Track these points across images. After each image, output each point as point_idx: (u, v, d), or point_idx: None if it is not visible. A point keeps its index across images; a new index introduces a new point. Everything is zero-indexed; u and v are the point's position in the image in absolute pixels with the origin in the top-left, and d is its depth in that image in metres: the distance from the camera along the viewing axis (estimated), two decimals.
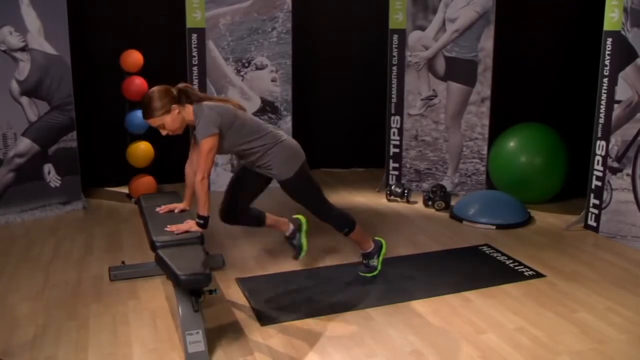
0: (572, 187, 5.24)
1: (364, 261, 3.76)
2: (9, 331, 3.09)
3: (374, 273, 3.75)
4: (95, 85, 5.53)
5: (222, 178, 5.65)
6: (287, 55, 5.56)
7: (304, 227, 3.75)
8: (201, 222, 3.19)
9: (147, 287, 3.63)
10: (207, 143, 3.12)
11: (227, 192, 3.58)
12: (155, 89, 3.17)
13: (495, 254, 4.16)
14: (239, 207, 3.60)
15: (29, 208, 4.85)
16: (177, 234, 3.15)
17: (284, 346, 2.98)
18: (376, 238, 3.77)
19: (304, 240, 3.75)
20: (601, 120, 4.48)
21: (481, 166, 5.49)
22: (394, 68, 5.54)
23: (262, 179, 3.51)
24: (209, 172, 3.15)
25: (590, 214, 4.63)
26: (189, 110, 3.19)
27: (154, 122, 3.17)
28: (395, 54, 5.51)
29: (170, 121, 3.15)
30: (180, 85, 3.23)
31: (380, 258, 3.75)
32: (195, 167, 3.27)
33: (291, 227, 3.75)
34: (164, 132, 3.23)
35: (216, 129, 3.13)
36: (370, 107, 6.31)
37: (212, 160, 3.15)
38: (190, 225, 3.20)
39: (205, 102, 3.23)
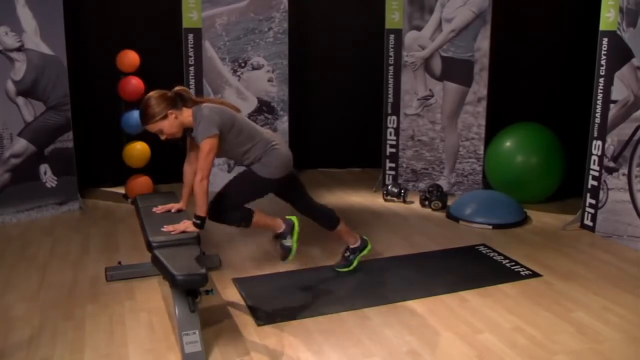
0: (569, 186, 5.25)
1: (279, 242, 3.53)
2: (5, 332, 3.08)
3: (292, 254, 3.52)
4: (91, 85, 5.52)
5: (219, 179, 5.62)
6: (284, 55, 5.56)
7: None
8: (198, 222, 3.19)
9: (144, 287, 3.62)
10: (207, 144, 3.12)
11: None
12: (151, 94, 3.18)
13: (491, 254, 4.17)
14: (304, 209, 3.69)
15: (25, 208, 4.84)
16: (174, 234, 3.15)
17: (281, 346, 2.98)
18: (287, 217, 3.54)
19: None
20: (597, 120, 4.49)
21: (478, 166, 5.49)
22: (391, 68, 5.54)
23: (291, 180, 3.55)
24: (208, 173, 3.15)
25: (586, 213, 4.64)
26: (186, 114, 3.20)
27: (152, 127, 3.20)
28: (391, 53, 5.51)
29: (167, 126, 3.17)
30: (177, 88, 3.24)
31: (295, 237, 3.49)
32: (195, 166, 3.27)
33: (357, 240, 3.84)
34: (162, 137, 3.25)
35: (217, 130, 3.14)
36: (367, 107, 6.31)
37: (212, 161, 3.15)
38: (187, 225, 3.20)
39: (205, 104, 3.24)
